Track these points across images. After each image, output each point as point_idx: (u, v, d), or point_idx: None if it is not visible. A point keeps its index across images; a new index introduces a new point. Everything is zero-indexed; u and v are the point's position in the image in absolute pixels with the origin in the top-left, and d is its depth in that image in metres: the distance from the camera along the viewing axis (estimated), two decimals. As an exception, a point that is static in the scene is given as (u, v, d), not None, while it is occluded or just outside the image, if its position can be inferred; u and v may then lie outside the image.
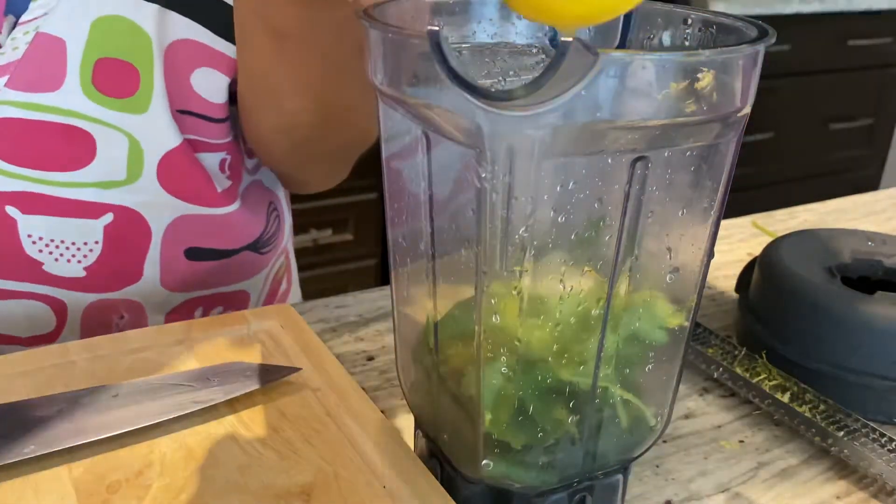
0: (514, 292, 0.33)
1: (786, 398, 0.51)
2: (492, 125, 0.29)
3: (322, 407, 0.44)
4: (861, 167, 2.50)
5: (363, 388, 0.46)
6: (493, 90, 0.27)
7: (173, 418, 0.42)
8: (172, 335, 0.50)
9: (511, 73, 0.42)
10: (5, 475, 0.38)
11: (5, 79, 0.51)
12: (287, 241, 0.73)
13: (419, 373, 0.41)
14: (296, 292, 0.78)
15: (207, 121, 0.57)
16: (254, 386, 0.45)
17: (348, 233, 1.73)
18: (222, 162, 0.60)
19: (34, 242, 0.55)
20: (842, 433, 0.48)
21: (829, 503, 0.45)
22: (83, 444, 0.40)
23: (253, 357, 0.48)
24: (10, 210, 0.54)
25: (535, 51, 0.43)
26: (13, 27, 0.51)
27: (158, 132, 0.55)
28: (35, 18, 0.51)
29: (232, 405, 0.44)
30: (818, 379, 0.52)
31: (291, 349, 0.49)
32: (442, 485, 0.39)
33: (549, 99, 0.27)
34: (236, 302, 0.66)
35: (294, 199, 1.76)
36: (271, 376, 0.46)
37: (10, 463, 0.39)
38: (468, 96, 0.27)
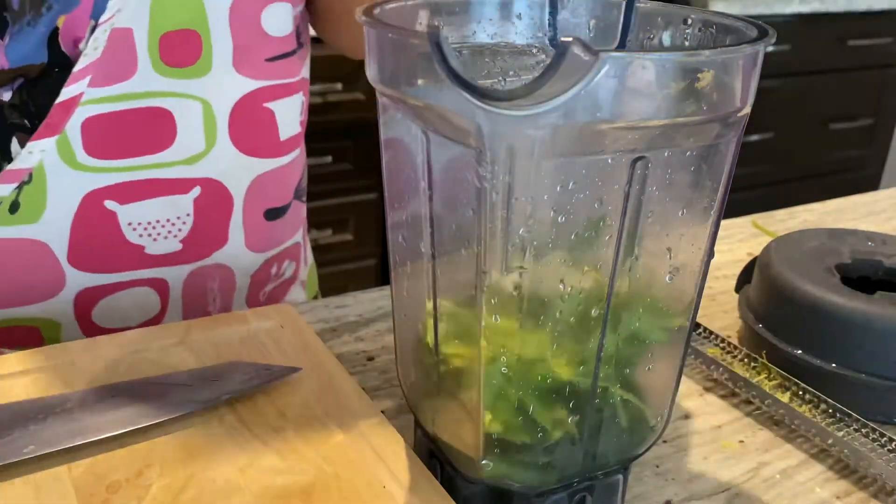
0: (514, 292, 0.33)
1: (786, 398, 0.51)
2: (492, 125, 0.29)
3: (322, 407, 0.44)
4: (861, 167, 2.50)
5: (363, 388, 0.46)
6: (493, 90, 0.27)
7: (173, 418, 0.42)
8: (172, 335, 0.50)
9: (511, 73, 0.42)
10: (5, 475, 0.38)
11: (88, 79, 0.53)
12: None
13: (419, 373, 0.41)
14: (308, 253, 0.81)
15: (286, 58, 0.61)
16: (254, 386, 0.45)
17: (348, 233, 1.73)
18: (302, 105, 0.65)
19: (134, 229, 0.58)
20: (842, 433, 0.48)
21: (829, 503, 0.45)
22: (83, 444, 0.40)
23: (253, 357, 0.48)
24: (109, 204, 0.56)
25: (535, 51, 0.43)
26: (93, 30, 0.53)
27: (224, 87, 0.58)
28: (111, 17, 0.52)
29: (232, 405, 0.44)
30: (818, 379, 0.52)
31: (291, 349, 0.49)
32: (442, 485, 0.39)
33: (549, 99, 0.27)
34: (295, 252, 0.71)
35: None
36: (271, 376, 0.46)
37: (10, 463, 0.39)
38: (468, 96, 0.27)
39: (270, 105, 0.61)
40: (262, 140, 0.62)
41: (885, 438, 0.47)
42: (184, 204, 0.59)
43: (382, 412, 0.44)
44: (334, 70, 1.55)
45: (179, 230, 0.60)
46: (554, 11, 0.43)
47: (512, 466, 0.37)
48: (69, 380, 0.45)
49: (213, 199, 0.61)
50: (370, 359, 0.55)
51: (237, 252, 0.63)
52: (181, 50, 0.55)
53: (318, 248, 1.68)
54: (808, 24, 2.11)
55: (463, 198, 0.32)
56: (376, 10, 0.36)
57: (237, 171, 0.61)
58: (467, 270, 0.33)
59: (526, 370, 0.35)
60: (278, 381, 0.46)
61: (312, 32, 0.70)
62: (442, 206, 0.35)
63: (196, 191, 0.59)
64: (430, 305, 0.37)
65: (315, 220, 1.67)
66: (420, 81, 0.32)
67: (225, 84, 0.58)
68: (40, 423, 0.41)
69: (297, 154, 0.66)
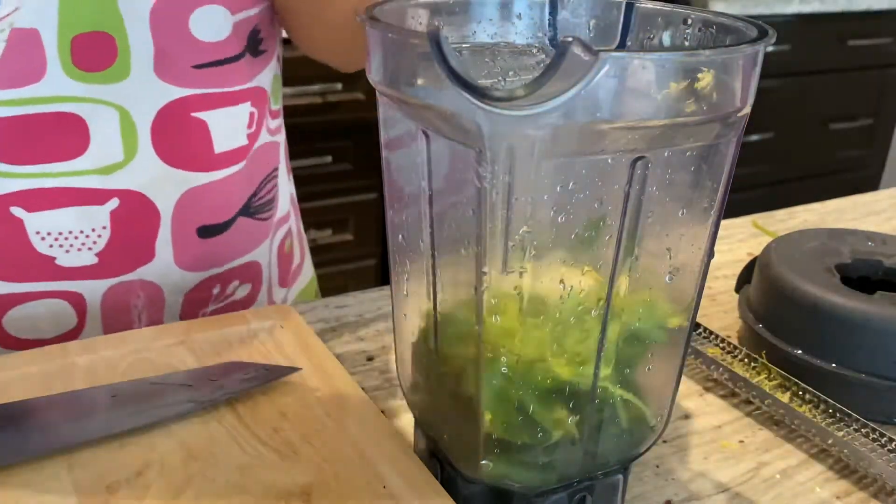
0: (515, 292, 0.33)
1: (786, 398, 0.51)
2: (492, 125, 0.29)
3: (322, 407, 0.44)
4: (861, 167, 2.50)
5: (363, 388, 0.46)
6: (493, 90, 0.27)
7: (173, 418, 0.42)
8: (172, 335, 0.50)
9: (511, 73, 0.42)
10: (5, 475, 0.38)
11: None
12: (291, 215, 0.73)
13: (419, 373, 0.41)
14: (308, 269, 0.78)
15: (222, 65, 0.58)
16: (254, 386, 0.45)
17: (348, 233, 1.73)
18: (251, 116, 0.61)
19: (43, 239, 0.55)
20: (842, 433, 0.48)
21: (829, 503, 0.45)
22: (83, 443, 0.40)
23: (253, 357, 0.48)
24: (16, 211, 0.54)
25: (535, 51, 0.43)
26: None
27: (144, 94, 0.55)
28: (7, 15, 0.50)
29: (232, 405, 0.44)
30: (818, 379, 0.52)
31: (291, 349, 0.49)
32: (442, 485, 0.39)
33: (549, 99, 0.27)
34: (251, 274, 0.67)
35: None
36: (271, 376, 0.46)
37: (10, 463, 0.39)
38: (468, 96, 0.27)
39: (201, 115, 0.58)
40: (193, 152, 0.58)
41: (885, 438, 0.47)
42: (99, 216, 0.56)
43: (382, 412, 0.44)
44: (334, 70, 1.55)
45: (94, 243, 0.56)
46: (554, 11, 0.43)
47: (512, 466, 0.37)
48: (69, 380, 0.45)
49: (136, 212, 0.57)
50: (370, 359, 0.55)
51: (165, 269, 0.60)
52: (93, 53, 0.52)
53: (317, 248, 1.68)
54: (808, 24, 2.11)
55: (463, 198, 0.32)
56: (376, 10, 0.36)
57: (164, 183, 0.57)
58: (467, 270, 0.33)
59: (526, 370, 0.35)
60: (278, 381, 0.46)
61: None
62: (442, 206, 0.35)
63: (113, 203, 0.56)
64: (430, 305, 0.37)
65: (315, 220, 1.67)
66: (420, 81, 0.32)
67: (145, 91, 0.55)
68: (40, 423, 0.41)
69: (241, 168, 0.62)
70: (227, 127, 0.60)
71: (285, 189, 0.71)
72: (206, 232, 0.61)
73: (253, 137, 0.63)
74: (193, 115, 0.57)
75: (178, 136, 0.57)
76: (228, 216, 0.63)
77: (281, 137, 0.69)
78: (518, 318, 0.33)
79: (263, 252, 0.67)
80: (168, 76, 0.55)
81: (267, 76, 0.63)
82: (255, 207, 0.65)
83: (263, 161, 0.66)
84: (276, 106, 0.67)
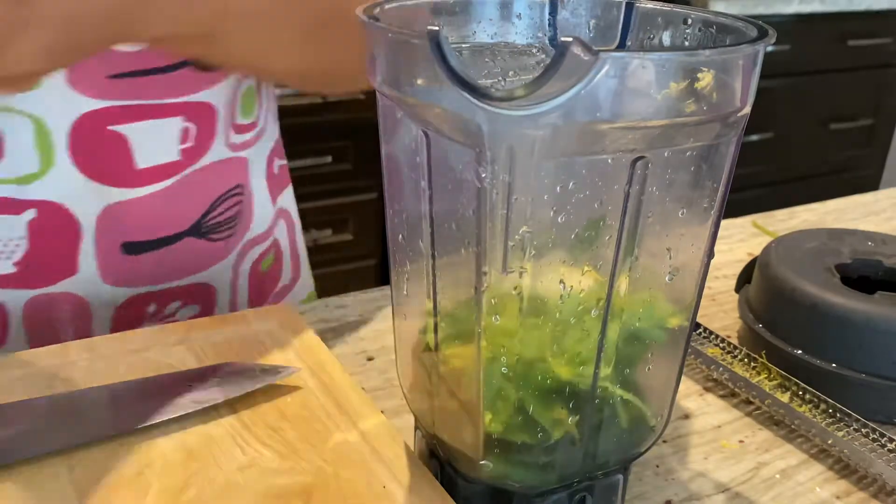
0: (514, 292, 0.33)
1: (786, 398, 0.51)
2: (492, 125, 0.29)
3: (322, 407, 0.44)
4: (861, 167, 2.50)
5: (363, 388, 0.46)
6: (493, 90, 0.27)
7: (173, 418, 0.42)
8: (172, 335, 0.50)
9: (511, 73, 0.42)
10: (5, 475, 0.38)
11: None
12: (274, 232, 0.70)
13: (419, 373, 0.41)
14: (303, 288, 0.75)
15: (145, 76, 0.54)
16: (254, 386, 0.45)
17: (348, 233, 1.73)
18: (184, 132, 0.58)
19: None
20: (842, 433, 0.48)
21: (829, 503, 0.45)
22: (83, 444, 0.40)
23: (253, 357, 0.48)
24: None
25: (535, 51, 0.43)
26: None
27: (58, 105, 0.52)
28: None
29: (232, 405, 0.44)
30: (818, 379, 0.52)
31: (291, 349, 0.49)
32: (442, 485, 0.39)
33: (550, 99, 0.27)
34: (198, 297, 0.64)
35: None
36: (271, 376, 0.46)
37: (10, 463, 0.39)
38: (468, 96, 0.27)
39: (119, 128, 0.55)
40: (112, 166, 0.55)
41: (885, 438, 0.47)
42: (16, 225, 0.54)
43: (382, 412, 0.44)
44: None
45: (13, 252, 0.55)
46: (554, 11, 0.43)
47: (512, 466, 0.37)
48: (69, 380, 0.45)
49: (55, 224, 0.55)
50: (370, 359, 0.55)
51: (91, 283, 0.58)
52: None
53: (318, 249, 1.68)
54: (808, 24, 2.11)
55: (463, 198, 0.32)
56: (376, 10, 0.36)
57: (84, 196, 0.55)
58: (467, 270, 0.33)
59: (526, 370, 0.35)
60: (278, 381, 0.46)
61: None
62: (442, 206, 0.35)
63: (30, 213, 0.54)
64: (430, 305, 0.37)
65: (315, 220, 1.67)
66: (420, 81, 0.32)
67: (59, 101, 0.52)
68: (40, 423, 0.41)
69: (171, 184, 0.58)
70: (152, 142, 0.57)
71: (264, 208, 0.68)
72: (133, 248, 0.59)
73: (190, 153, 0.59)
74: (111, 128, 0.55)
75: (96, 149, 0.55)
76: (164, 233, 0.60)
77: (251, 152, 0.65)
78: (518, 318, 0.33)
79: (219, 273, 0.64)
80: (82, 86, 0.53)
81: (223, 91, 0.60)
82: (208, 227, 0.62)
83: (218, 178, 0.62)
84: (247, 119, 0.64)
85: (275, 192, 0.70)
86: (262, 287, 0.69)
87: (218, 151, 0.61)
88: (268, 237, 0.69)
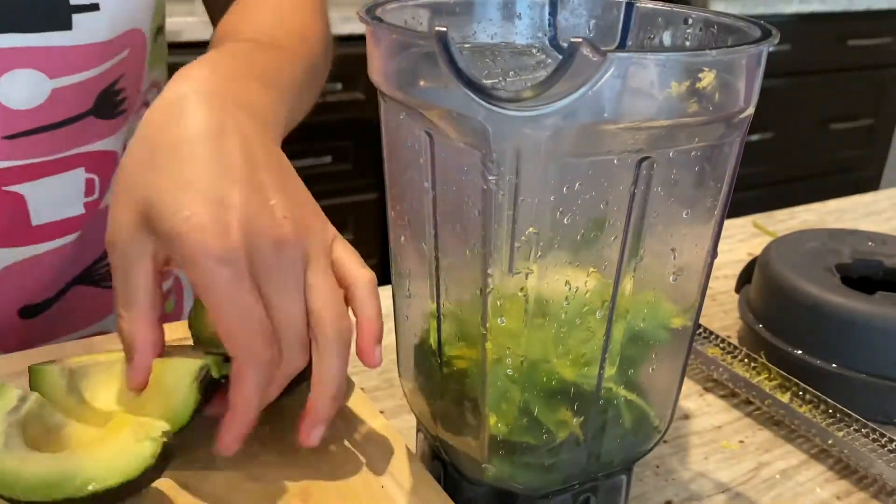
0: (520, 293, 0.33)
1: (786, 398, 0.51)
2: (498, 126, 0.29)
3: (323, 407, 0.44)
4: (861, 167, 2.49)
5: (363, 389, 0.46)
6: (501, 91, 0.27)
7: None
8: (172, 335, 0.50)
9: (511, 73, 0.42)
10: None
11: None
12: (172, 270, 0.66)
13: (422, 374, 0.41)
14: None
15: (40, 132, 0.51)
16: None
17: (348, 233, 1.72)
18: (88, 183, 0.54)
19: None
20: (842, 433, 0.48)
21: (829, 503, 0.45)
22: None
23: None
24: None
25: (535, 51, 0.43)
26: None
27: None
28: None
29: (233, 405, 0.44)
30: (818, 379, 0.52)
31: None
32: (445, 486, 0.39)
33: (558, 99, 0.27)
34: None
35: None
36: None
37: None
38: (475, 97, 0.27)
39: (16, 188, 0.51)
40: (7, 228, 0.52)
41: (885, 438, 0.47)
42: None
43: (382, 412, 0.44)
44: (334, 70, 1.55)
45: None
46: (554, 11, 0.43)
47: (516, 468, 0.37)
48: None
49: None
50: (371, 359, 0.55)
51: None
52: None
53: (317, 248, 1.68)
54: (808, 24, 2.11)
55: (467, 199, 0.32)
56: (378, 10, 0.36)
57: None
58: (471, 271, 0.33)
59: (530, 372, 0.35)
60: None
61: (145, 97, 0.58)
62: (446, 208, 0.35)
63: None
64: (433, 307, 0.37)
65: (315, 220, 1.67)
66: (424, 82, 0.32)
67: None
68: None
69: (73, 239, 0.55)
70: (52, 197, 0.53)
71: None
72: (30, 312, 0.54)
73: (94, 205, 0.56)
74: (6, 188, 0.50)
75: None
76: (51, 293, 0.56)
77: None
78: (523, 320, 0.33)
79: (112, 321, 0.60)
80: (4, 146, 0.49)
81: (121, 136, 0.56)
82: (100, 275, 0.58)
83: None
84: None
85: None
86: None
87: (93, 205, 0.57)
88: (166, 278, 0.65)
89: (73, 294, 0.57)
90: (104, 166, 0.55)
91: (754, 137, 2.16)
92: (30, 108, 0.49)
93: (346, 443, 0.42)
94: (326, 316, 0.37)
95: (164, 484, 0.38)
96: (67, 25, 0.49)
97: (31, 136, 0.50)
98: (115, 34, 0.51)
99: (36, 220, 0.53)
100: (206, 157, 0.37)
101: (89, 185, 0.55)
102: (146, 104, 0.58)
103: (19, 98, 0.49)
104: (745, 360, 0.55)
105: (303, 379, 0.39)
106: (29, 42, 0.48)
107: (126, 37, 0.53)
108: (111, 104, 0.54)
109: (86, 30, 0.49)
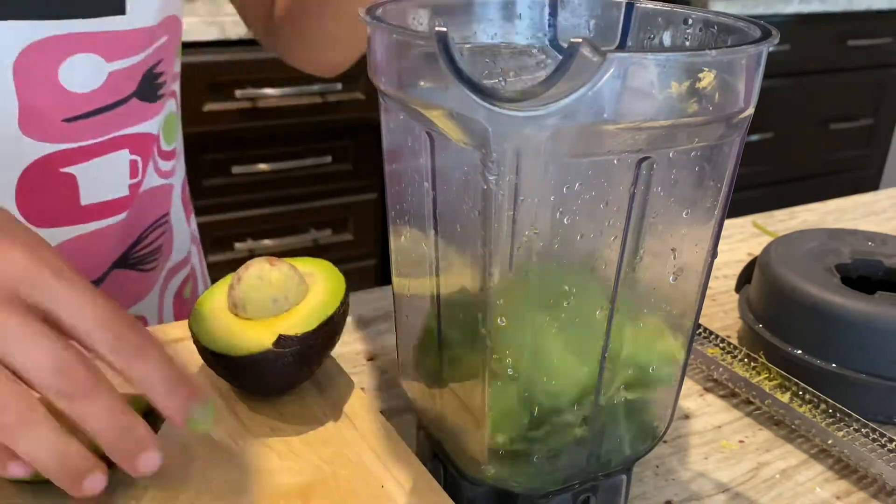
0: (520, 293, 0.33)
1: (786, 398, 0.51)
2: (499, 126, 0.29)
3: (321, 407, 0.44)
4: (861, 167, 2.49)
5: (363, 389, 0.46)
6: (501, 91, 0.27)
7: (174, 418, 0.42)
8: (173, 335, 0.50)
9: (511, 73, 0.42)
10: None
11: None
12: (191, 257, 0.68)
13: (422, 375, 0.41)
14: None
15: (95, 115, 0.53)
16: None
17: (348, 233, 1.72)
18: (132, 165, 0.56)
19: None
20: (842, 433, 0.48)
21: (829, 503, 0.45)
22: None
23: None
24: None
25: (535, 51, 0.43)
26: None
27: (7, 153, 0.50)
28: None
29: (231, 405, 0.44)
30: (818, 379, 0.52)
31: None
32: (446, 486, 0.39)
33: (558, 99, 0.27)
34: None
35: (293, 198, 1.74)
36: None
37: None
38: (476, 97, 0.27)
39: (70, 169, 0.53)
40: (59, 208, 0.54)
41: (885, 438, 0.47)
42: None
43: (382, 412, 0.44)
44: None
45: None
46: (554, 12, 0.43)
47: (517, 468, 0.37)
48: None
49: None
50: (370, 359, 0.55)
51: None
52: None
53: (318, 249, 1.68)
54: (808, 24, 2.11)
55: (468, 199, 0.32)
56: (378, 11, 0.36)
57: None
58: (472, 272, 0.33)
59: (531, 372, 0.35)
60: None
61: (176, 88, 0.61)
62: (446, 208, 0.35)
63: None
64: (433, 307, 0.37)
65: (315, 220, 1.67)
66: (424, 82, 0.32)
67: (9, 149, 0.50)
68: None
69: (120, 220, 0.57)
70: (96, 179, 0.55)
71: (182, 233, 0.66)
72: None
73: (136, 187, 0.58)
74: (62, 170, 0.53)
75: (43, 194, 0.52)
76: (99, 273, 0.58)
77: (176, 178, 0.64)
78: (524, 320, 0.33)
79: (150, 305, 0.62)
80: (35, 133, 0.50)
81: (159, 120, 0.58)
82: (137, 258, 0.60)
83: (149, 208, 0.60)
84: (170, 146, 0.62)
85: (188, 215, 0.68)
86: (183, 310, 0.67)
87: (151, 180, 0.60)
88: (186, 264, 0.67)
89: (113, 277, 0.59)
90: (145, 148, 0.58)
91: (754, 137, 2.16)
92: (88, 91, 0.52)
93: (347, 443, 0.42)
94: (84, 330, 0.34)
95: (163, 482, 0.38)
96: (121, 10, 0.51)
97: (87, 119, 0.52)
98: (160, 19, 0.54)
99: (85, 201, 0.55)
100: None
101: (133, 166, 0.57)
102: (173, 93, 0.61)
103: (79, 82, 0.51)
104: (745, 360, 0.55)
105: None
106: (89, 28, 0.50)
107: (167, 22, 0.55)
108: (153, 87, 0.56)
109: (137, 14, 0.52)
